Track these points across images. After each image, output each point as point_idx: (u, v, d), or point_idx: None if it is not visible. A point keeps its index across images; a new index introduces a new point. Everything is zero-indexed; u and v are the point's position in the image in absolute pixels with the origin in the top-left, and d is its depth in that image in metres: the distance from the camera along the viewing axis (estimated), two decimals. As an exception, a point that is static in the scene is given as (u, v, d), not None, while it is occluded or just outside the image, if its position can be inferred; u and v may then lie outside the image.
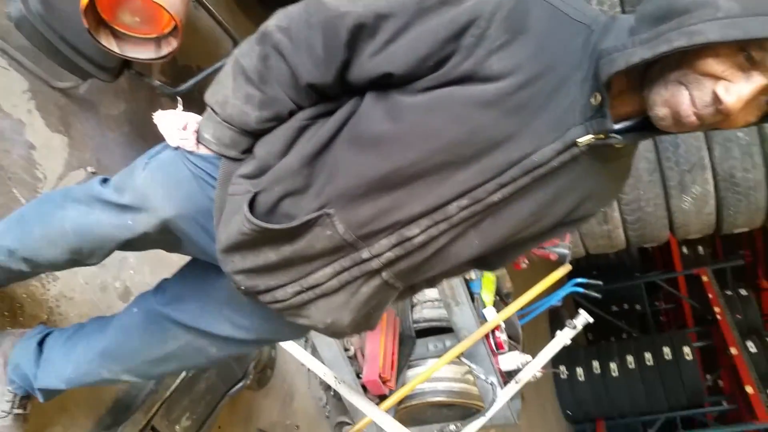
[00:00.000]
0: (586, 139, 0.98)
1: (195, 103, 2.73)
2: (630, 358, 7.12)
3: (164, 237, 1.27)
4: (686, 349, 6.98)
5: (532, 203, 1.05)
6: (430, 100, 0.97)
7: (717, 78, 0.88)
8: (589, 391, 7.21)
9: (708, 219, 4.17)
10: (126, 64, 2.14)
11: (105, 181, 1.34)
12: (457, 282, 2.67)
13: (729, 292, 7.98)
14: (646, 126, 1.01)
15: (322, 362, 2.54)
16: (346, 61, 1.03)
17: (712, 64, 0.88)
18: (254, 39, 1.09)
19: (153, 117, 1.26)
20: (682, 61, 0.90)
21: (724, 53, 0.87)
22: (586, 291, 3.82)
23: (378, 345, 2.89)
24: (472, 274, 2.83)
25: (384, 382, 2.82)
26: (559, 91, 0.97)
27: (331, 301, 1.15)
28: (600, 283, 3.89)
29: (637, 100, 0.99)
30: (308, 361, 2.21)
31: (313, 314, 1.18)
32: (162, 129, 1.24)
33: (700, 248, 8.99)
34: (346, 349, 2.83)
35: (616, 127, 1.00)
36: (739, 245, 9.60)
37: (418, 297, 3.35)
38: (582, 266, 8.18)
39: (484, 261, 1.23)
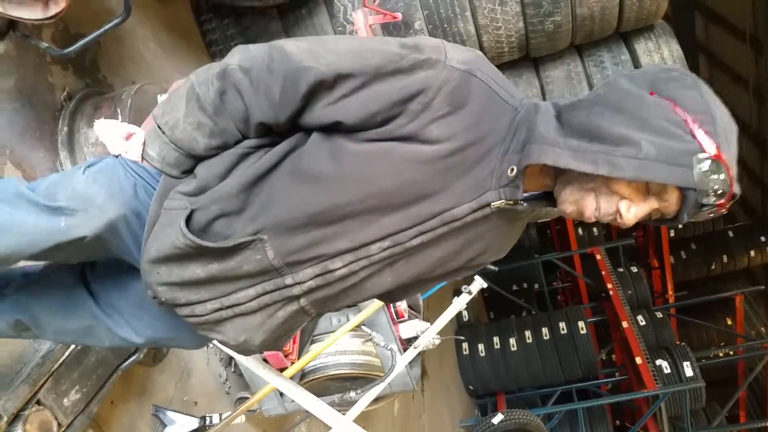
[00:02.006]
0: (498, 203, 1.12)
1: (86, 72, 2.65)
2: (528, 333, 7.42)
3: (99, 240, 1.24)
4: (581, 324, 7.36)
5: (443, 250, 1.18)
6: (372, 150, 1.08)
7: (622, 197, 1.07)
8: (490, 366, 7.46)
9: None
10: (11, 25, 2.04)
11: (28, 186, 1.28)
12: (357, 254, 2.72)
13: (621, 270, 8.46)
14: (546, 197, 1.19)
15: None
16: (300, 108, 1.11)
17: (623, 187, 1.06)
18: (215, 73, 1.13)
19: (94, 125, 1.28)
20: (600, 177, 1.05)
21: (635, 182, 1.05)
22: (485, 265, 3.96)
23: (280, 318, 2.89)
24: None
25: (286, 356, 2.82)
26: (483, 159, 1.11)
27: (248, 321, 1.22)
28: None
29: (544, 181, 1.17)
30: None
31: (228, 331, 1.24)
32: (103, 137, 1.27)
33: (595, 229, 9.49)
34: (247, 322, 2.82)
35: (525, 195, 1.15)
36: (632, 227, 10.19)
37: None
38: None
39: (390, 295, 1.32)
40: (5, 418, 1.85)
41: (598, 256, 8.13)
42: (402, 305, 2.83)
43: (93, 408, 2.17)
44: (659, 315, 8.12)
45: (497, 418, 5.73)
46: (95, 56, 2.77)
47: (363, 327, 2.75)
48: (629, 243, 9.12)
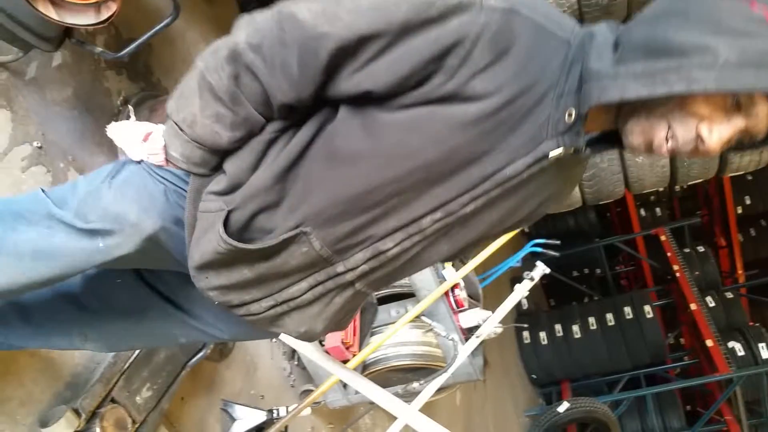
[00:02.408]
0: (557, 152, 1.01)
1: (140, 76, 2.71)
2: (592, 320, 7.26)
3: (142, 256, 1.20)
4: (647, 308, 7.15)
5: (501, 210, 1.09)
6: (410, 118, 0.97)
7: (702, 118, 0.93)
8: (553, 354, 7.34)
9: (662, 172, 4.24)
10: (67, 32, 2.09)
11: (57, 204, 1.22)
12: (415, 244, 2.70)
13: (687, 250, 8.17)
14: (610, 139, 1.08)
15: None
16: (324, 81, 1.00)
17: (702, 106, 0.92)
18: (224, 57, 1.02)
19: (107, 130, 1.19)
20: (670, 97, 0.92)
21: (715, 97, 0.91)
22: (545, 250, 3.90)
23: (340, 311, 2.90)
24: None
25: (347, 348, 2.84)
26: (536, 108, 0.99)
27: (305, 312, 1.18)
28: (558, 242, 3.96)
29: (608, 118, 1.04)
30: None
31: (288, 325, 1.21)
32: (120, 143, 1.18)
33: (658, 210, 9.20)
34: (309, 317, 2.84)
35: (586, 139, 1.04)
36: (696, 205, 9.84)
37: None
38: (542, 235, 8.28)
39: (450, 258, 1.27)
40: (83, 416, 1.92)
41: (663, 237, 7.84)
42: (462, 294, 2.80)
43: (164, 404, 2.22)
44: (729, 295, 7.82)
45: (563, 407, 5.62)
46: (148, 60, 2.83)
47: (423, 317, 2.74)
48: (695, 222, 8.78)
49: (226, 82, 1.02)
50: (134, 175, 1.18)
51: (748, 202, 9.20)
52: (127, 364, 2.08)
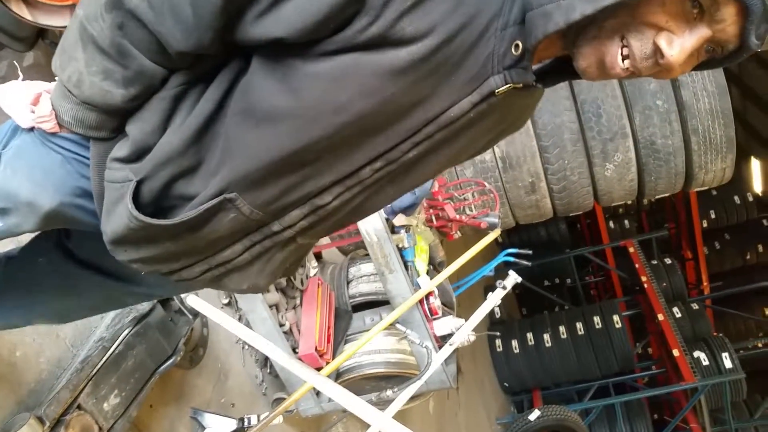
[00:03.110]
0: (505, 88, 0.90)
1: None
2: (562, 329, 7.36)
3: (51, 226, 1.11)
4: (616, 318, 7.27)
5: (448, 152, 1.00)
6: (333, 68, 0.84)
7: (659, 28, 0.82)
8: (525, 363, 7.41)
9: (630, 185, 4.33)
10: (40, 33, 2.06)
11: None
12: (390, 251, 2.69)
13: (655, 262, 8.34)
14: (562, 68, 0.97)
15: (256, 334, 2.53)
16: (224, 25, 0.86)
17: (656, 13, 0.82)
18: (102, 2, 0.87)
19: None
20: (621, 9, 0.82)
21: (671, 2, 0.81)
22: (517, 260, 3.92)
23: (313, 319, 2.88)
24: (405, 243, 2.85)
25: (321, 356, 2.82)
26: (478, 43, 0.87)
27: (245, 272, 1.08)
28: (530, 252, 3.98)
29: (557, 44, 0.93)
30: (243, 333, 2.18)
31: (227, 284, 1.11)
32: (7, 107, 1.01)
33: (626, 222, 9.40)
34: (281, 324, 2.81)
35: (535, 69, 0.94)
36: (664, 219, 10.04)
37: (354, 273, 3.36)
38: (515, 244, 8.40)
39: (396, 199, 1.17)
40: (48, 423, 1.86)
41: (631, 249, 8.01)
42: (436, 302, 2.80)
43: (132, 411, 2.17)
44: (695, 307, 7.99)
45: (534, 415, 5.66)
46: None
47: (397, 325, 2.73)
48: (662, 234, 8.98)
49: (109, 32, 0.88)
50: (26, 144, 1.04)
51: (713, 216, 9.46)
52: (94, 370, 2.03)
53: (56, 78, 0.98)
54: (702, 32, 0.82)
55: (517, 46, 0.88)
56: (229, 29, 0.86)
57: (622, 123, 4.03)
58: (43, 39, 2.07)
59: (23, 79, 1.05)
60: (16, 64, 1.21)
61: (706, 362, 6.78)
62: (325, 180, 0.95)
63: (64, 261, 1.28)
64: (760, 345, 8.91)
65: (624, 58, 0.86)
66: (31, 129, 1.03)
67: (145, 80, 0.93)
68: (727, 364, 6.71)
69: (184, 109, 0.95)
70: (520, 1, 0.88)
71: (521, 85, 0.91)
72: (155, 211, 0.98)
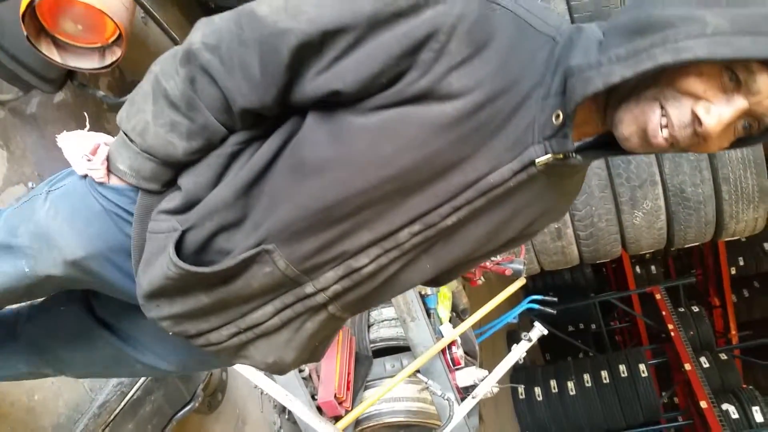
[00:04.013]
0: (545, 158, 0.91)
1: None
2: (587, 377, 7.18)
3: (73, 280, 1.10)
4: (642, 367, 7.08)
5: (488, 224, 0.99)
6: (382, 122, 0.87)
7: (697, 98, 0.84)
8: (548, 411, 7.22)
9: (659, 234, 4.24)
10: (69, 75, 2.08)
11: None
12: (412, 297, 2.65)
13: (682, 310, 8.15)
14: (604, 144, 0.98)
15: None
16: (287, 82, 0.91)
17: (695, 83, 0.83)
18: (178, 58, 0.94)
19: (57, 139, 1.08)
20: (660, 77, 0.84)
21: (708, 72, 0.83)
22: (541, 307, 3.85)
23: (333, 365, 2.83)
24: (428, 290, 2.81)
25: (340, 403, 2.77)
26: (520, 108, 0.90)
27: (273, 340, 1.06)
28: (555, 299, 3.91)
29: (598, 118, 0.95)
30: (261, 381, 2.14)
31: (253, 354, 1.09)
32: (67, 154, 1.06)
33: (653, 267, 9.20)
34: (301, 370, 2.77)
35: (577, 144, 0.95)
36: (691, 264, 9.85)
37: (375, 317, 3.31)
38: (538, 287, 8.29)
39: (434, 280, 1.16)
40: (62, 470, 1.83)
41: (658, 296, 7.83)
42: (458, 352, 2.74)
43: (148, 459, 2.13)
44: (723, 357, 7.75)
45: (556, 466, 5.49)
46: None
47: (418, 375, 2.67)
48: (689, 281, 8.79)
49: (181, 86, 0.93)
50: (75, 190, 1.07)
51: (741, 263, 9.23)
52: (112, 416, 2.00)
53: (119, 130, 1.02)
54: (739, 103, 0.83)
55: (558, 116, 0.89)
56: (290, 87, 0.91)
57: (651, 170, 3.95)
58: (72, 80, 2.10)
59: (89, 129, 1.09)
60: (86, 115, 1.24)
61: (735, 415, 6.54)
62: (363, 239, 0.95)
63: (85, 314, 1.27)
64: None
65: (663, 127, 0.86)
66: (84, 176, 1.06)
67: (207, 135, 0.97)
68: (758, 418, 6.46)
69: (237, 166, 0.98)
70: (561, 72, 0.89)
71: (561, 156, 0.91)
72: (194, 264, 0.98)
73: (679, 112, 0.84)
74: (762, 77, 0.81)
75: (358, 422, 3.02)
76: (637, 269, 8.94)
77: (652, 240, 4.29)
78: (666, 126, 0.86)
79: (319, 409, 2.76)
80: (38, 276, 1.09)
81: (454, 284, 3.29)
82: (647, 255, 9.54)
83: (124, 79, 2.66)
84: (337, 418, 2.73)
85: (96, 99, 2.41)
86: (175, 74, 0.94)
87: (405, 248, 0.97)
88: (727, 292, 9.13)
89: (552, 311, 3.92)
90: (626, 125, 0.89)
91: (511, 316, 3.94)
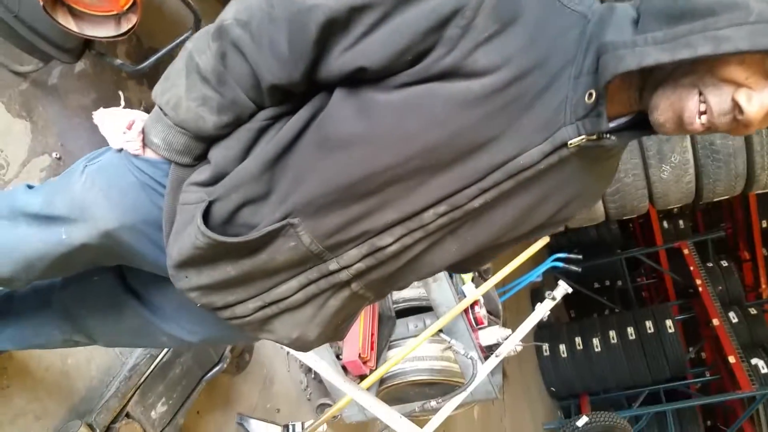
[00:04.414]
0: (578, 140, 0.90)
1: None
2: (612, 333, 7.18)
3: (106, 251, 1.14)
4: (668, 323, 7.06)
5: (516, 208, 0.98)
6: (407, 98, 0.88)
7: (739, 84, 0.81)
8: (573, 367, 7.26)
9: (687, 188, 4.16)
10: (87, 44, 2.08)
11: (31, 188, 1.21)
12: (434, 259, 2.66)
13: (710, 264, 8.06)
14: (639, 124, 0.96)
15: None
16: (315, 59, 0.92)
17: (736, 71, 0.81)
18: (210, 33, 0.96)
19: (93, 116, 1.12)
20: (700, 63, 0.82)
21: (751, 59, 0.80)
22: (566, 266, 3.84)
23: (357, 326, 2.87)
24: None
25: (364, 363, 2.80)
26: (550, 87, 0.88)
27: (297, 315, 1.08)
28: (580, 257, 3.90)
29: (633, 98, 0.93)
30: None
31: (278, 329, 1.11)
32: (104, 130, 1.11)
33: (681, 222, 9.07)
34: (326, 330, 2.81)
35: (611, 125, 0.93)
36: (720, 218, 9.70)
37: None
38: (563, 244, 8.23)
39: (460, 266, 1.16)
40: (98, 431, 1.90)
41: (686, 251, 7.74)
42: (481, 311, 2.76)
43: (179, 419, 2.20)
44: (753, 311, 7.68)
45: (581, 421, 5.53)
46: (168, 64, 2.82)
47: (441, 335, 2.69)
48: (718, 235, 8.66)
49: (213, 61, 0.96)
50: (111, 164, 1.11)
51: (773, 217, 9.05)
52: (142, 379, 2.06)
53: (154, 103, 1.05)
54: None
55: (590, 95, 0.88)
56: (317, 64, 0.92)
57: (678, 124, 3.88)
58: (89, 50, 2.10)
59: (124, 107, 1.13)
60: (121, 94, 1.28)
61: (765, 370, 6.52)
62: (387, 218, 0.96)
63: (116, 283, 1.31)
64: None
65: (702, 113, 0.84)
66: (120, 151, 1.10)
67: (236, 110, 0.99)
68: (788, 372, 6.45)
69: (264, 140, 1.00)
70: (594, 50, 0.87)
71: (595, 137, 0.90)
72: (221, 235, 1.00)
73: (720, 99, 0.82)
74: None
75: (382, 381, 3.06)
76: (665, 224, 8.82)
77: (680, 194, 4.23)
78: (705, 112, 0.84)
79: (345, 369, 2.80)
80: (73, 245, 1.12)
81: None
82: (675, 210, 9.41)
83: (141, 46, 2.66)
84: (362, 377, 2.78)
85: (114, 67, 2.42)
86: (207, 49, 0.96)
87: (430, 229, 0.97)
88: (757, 246, 8.98)
89: (577, 269, 3.90)
90: (662, 111, 0.87)
91: (535, 275, 3.93)
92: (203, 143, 1.05)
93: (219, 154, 1.02)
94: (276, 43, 0.92)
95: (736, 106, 0.82)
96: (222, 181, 1.01)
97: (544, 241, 3.25)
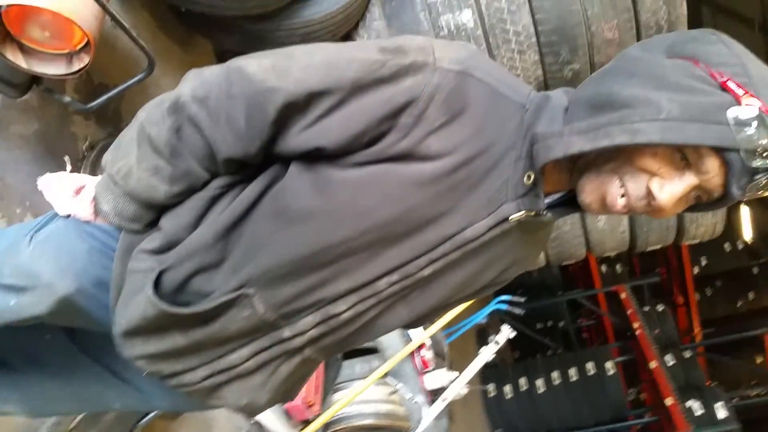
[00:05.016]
0: (518, 215, 0.98)
1: (109, 122, 2.66)
2: (555, 374, 7.28)
3: (57, 317, 1.09)
4: (608, 365, 7.20)
5: (463, 274, 1.05)
6: (363, 176, 0.93)
7: (652, 173, 0.91)
8: (518, 408, 7.30)
9: (622, 237, 4.35)
10: (35, 79, 2.05)
11: None
12: (382, 302, 2.67)
13: (647, 308, 8.30)
14: (572, 200, 1.04)
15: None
16: (272, 136, 0.95)
17: (649, 161, 0.90)
18: (165, 108, 0.97)
19: (37, 183, 1.10)
20: (619, 152, 0.91)
21: (662, 152, 0.89)
22: (510, 308, 3.91)
23: (303, 368, 2.83)
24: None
25: (309, 407, 2.77)
26: (494, 169, 0.97)
27: (247, 382, 1.08)
28: (522, 300, 3.98)
29: (565, 178, 1.02)
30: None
31: (227, 396, 1.10)
32: (49, 195, 1.09)
33: (618, 266, 9.35)
34: (270, 373, 2.77)
35: (547, 200, 1.03)
36: (655, 263, 10.03)
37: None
38: (508, 286, 8.33)
39: (409, 325, 1.19)
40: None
41: (623, 295, 7.95)
42: (428, 354, 2.77)
43: (114, 467, 2.11)
44: (687, 354, 7.92)
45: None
46: (118, 106, 2.79)
47: (387, 379, 2.69)
48: (654, 280, 8.96)
49: (167, 134, 0.97)
50: (59, 230, 1.09)
51: (704, 262, 9.45)
52: (72, 425, 1.98)
53: (104, 171, 1.04)
54: (690, 180, 0.90)
55: (529, 176, 0.97)
56: (274, 140, 0.95)
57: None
58: (37, 85, 2.06)
59: (70, 170, 1.10)
60: (67, 159, 1.25)
61: (699, 412, 6.69)
62: (342, 287, 0.99)
63: (70, 342, 1.26)
64: (753, 394, 8.82)
65: (621, 196, 0.94)
66: (68, 216, 1.09)
67: (189, 180, 1.00)
68: (721, 414, 6.62)
69: (218, 208, 1.01)
70: (530, 137, 0.97)
71: (533, 213, 0.99)
72: (171, 304, 1.00)
73: (636, 186, 0.92)
74: (710, 160, 0.87)
75: (327, 425, 3.02)
76: (603, 268, 9.08)
77: (615, 243, 4.41)
78: (624, 195, 0.93)
79: (288, 413, 2.76)
80: (22, 315, 1.08)
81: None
82: (612, 254, 9.70)
83: (92, 81, 2.62)
84: (306, 422, 2.74)
85: (61, 103, 2.38)
86: (161, 122, 0.97)
87: (383, 296, 1.02)
88: (690, 291, 9.33)
89: (520, 312, 3.98)
90: (587, 193, 0.96)
91: (481, 317, 3.99)
92: (154, 211, 1.05)
93: (170, 222, 1.03)
94: (233, 120, 0.94)
95: (650, 193, 0.91)
96: (174, 249, 1.01)
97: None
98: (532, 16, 3.37)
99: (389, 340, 2.69)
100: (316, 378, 2.86)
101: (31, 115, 2.30)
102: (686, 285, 9.27)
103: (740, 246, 9.83)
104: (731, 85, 0.84)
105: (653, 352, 7.11)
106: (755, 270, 10.08)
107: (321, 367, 2.95)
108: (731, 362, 9.11)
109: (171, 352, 1.04)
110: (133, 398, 1.28)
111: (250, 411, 1.14)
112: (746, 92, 0.83)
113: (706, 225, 4.33)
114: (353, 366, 3.14)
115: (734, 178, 0.87)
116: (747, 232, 10.87)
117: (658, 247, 4.66)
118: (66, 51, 1.88)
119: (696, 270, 9.56)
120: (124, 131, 1.04)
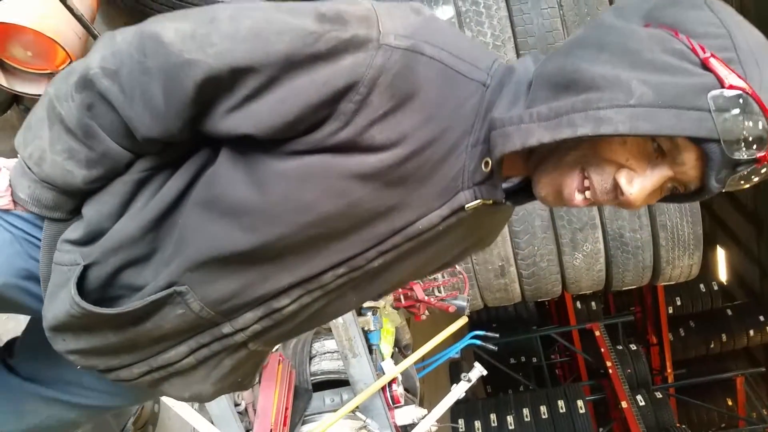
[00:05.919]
0: (475, 203, 0.89)
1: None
2: (526, 411, 7.24)
3: None
4: (580, 403, 7.18)
5: (414, 262, 0.97)
6: (300, 168, 0.83)
7: (620, 165, 0.81)
8: (488, 445, 7.25)
9: (598, 276, 4.39)
10: (16, 98, 2.04)
11: None
12: (355, 333, 2.65)
13: (620, 347, 8.34)
14: (531, 188, 0.94)
15: (210, 418, 2.43)
16: (195, 115, 0.84)
17: (617, 151, 0.80)
18: (72, 82, 0.86)
19: None
20: (583, 141, 0.80)
21: (632, 141, 0.80)
22: (483, 343, 3.90)
23: (271, 399, 2.80)
24: (371, 325, 2.82)
25: (277, 438, 2.73)
26: (448, 157, 0.87)
27: (188, 378, 1.01)
28: (496, 335, 3.97)
29: (522, 166, 0.93)
30: (193, 419, 2.10)
31: (168, 390, 1.04)
32: None
33: (593, 304, 9.40)
34: (237, 404, 2.72)
35: (505, 185, 0.94)
36: (630, 301, 10.11)
37: (317, 348, 3.29)
38: (483, 319, 8.37)
39: (358, 306, 1.19)
40: None
41: (597, 333, 8.02)
42: (399, 390, 2.75)
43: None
44: (659, 395, 7.94)
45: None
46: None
47: (357, 413, 2.66)
48: (628, 319, 9.02)
49: (77, 113, 0.86)
50: None
51: (678, 302, 9.53)
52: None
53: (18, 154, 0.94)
54: (663, 172, 0.81)
55: (486, 163, 0.87)
56: (198, 120, 0.85)
57: (591, 214, 4.10)
58: (18, 104, 2.05)
59: None
60: None
61: (669, 454, 6.72)
62: (284, 281, 0.90)
63: (8, 374, 1.19)
64: (722, 437, 8.88)
65: (585, 189, 0.85)
66: None
67: (109, 163, 0.90)
68: (690, 457, 6.65)
69: (145, 195, 0.91)
70: (489, 120, 0.87)
71: (491, 201, 0.90)
72: (100, 299, 0.93)
73: (602, 178, 0.82)
74: (686, 150, 0.77)
75: (294, 457, 2.98)
76: (578, 304, 9.13)
77: (591, 282, 4.44)
78: (588, 188, 0.84)
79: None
80: None
81: (398, 320, 3.31)
82: (588, 292, 9.77)
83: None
84: (273, 454, 2.70)
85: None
86: (70, 99, 0.87)
87: (329, 288, 0.94)
88: (664, 331, 9.38)
89: (493, 347, 3.97)
90: (542, 186, 0.88)
91: (453, 351, 3.97)
92: (75, 197, 0.95)
93: (92, 210, 0.93)
94: (149, 97, 0.84)
95: (618, 186, 0.82)
96: (98, 241, 0.92)
97: (464, 320, 3.30)
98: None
99: (360, 374, 2.67)
100: (285, 409, 2.82)
101: (11, 133, 2.28)
102: (660, 325, 9.33)
103: (715, 287, 9.93)
104: (714, 62, 0.73)
105: (624, 391, 7.13)
106: (729, 312, 10.18)
107: (289, 396, 2.91)
108: (702, 405, 9.15)
109: (103, 348, 0.96)
110: (90, 404, 1.19)
111: (198, 400, 1.08)
112: (731, 71, 0.73)
113: (682, 266, 4.38)
114: (323, 397, 3.11)
115: (713, 171, 0.76)
116: (722, 274, 11.02)
117: (633, 287, 4.69)
118: (48, 71, 1.87)
119: (670, 310, 9.64)
120: (33, 108, 0.93)
